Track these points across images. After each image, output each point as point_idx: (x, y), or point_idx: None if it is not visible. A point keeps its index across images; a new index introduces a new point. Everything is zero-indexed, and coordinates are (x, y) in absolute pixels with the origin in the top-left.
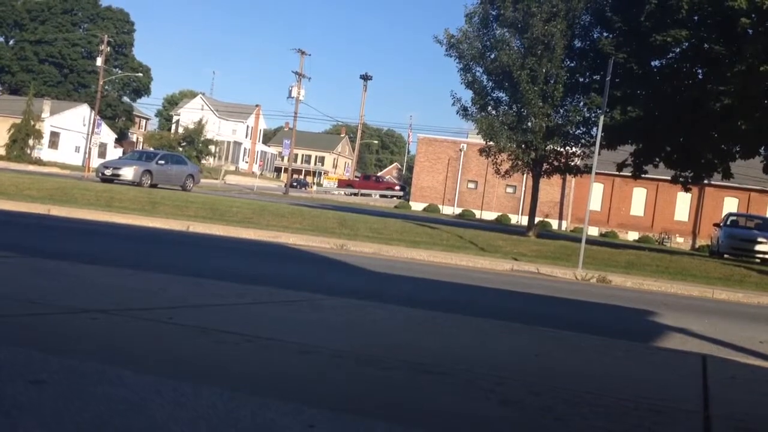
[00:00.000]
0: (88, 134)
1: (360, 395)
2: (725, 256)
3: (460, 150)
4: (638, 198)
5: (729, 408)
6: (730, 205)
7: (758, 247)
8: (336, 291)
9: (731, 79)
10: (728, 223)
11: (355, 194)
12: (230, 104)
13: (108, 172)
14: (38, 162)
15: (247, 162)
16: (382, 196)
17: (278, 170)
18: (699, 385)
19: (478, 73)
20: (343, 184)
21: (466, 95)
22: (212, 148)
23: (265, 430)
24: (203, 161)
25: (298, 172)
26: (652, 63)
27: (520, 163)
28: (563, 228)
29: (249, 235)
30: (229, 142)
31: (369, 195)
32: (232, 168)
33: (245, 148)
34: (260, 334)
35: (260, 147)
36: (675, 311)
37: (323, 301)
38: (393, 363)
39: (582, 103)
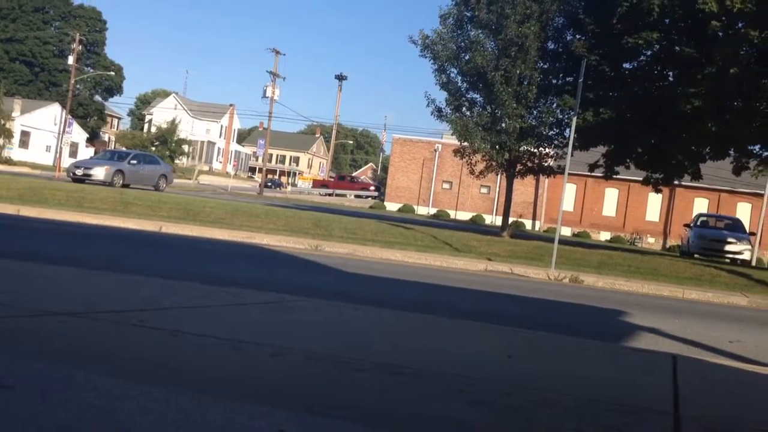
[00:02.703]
0: (59, 134)
1: (332, 397)
2: (696, 256)
3: (435, 150)
4: (610, 198)
5: (699, 409)
6: (701, 205)
7: (728, 247)
8: (310, 292)
9: (701, 82)
10: (698, 223)
11: (330, 194)
12: (204, 104)
13: (79, 172)
14: (8, 162)
15: (221, 162)
16: (357, 196)
17: (252, 170)
18: (669, 386)
19: (452, 74)
20: (317, 184)
21: (441, 96)
22: (185, 147)
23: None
24: (176, 161)
25: (273, 172)
26: (624, 65)
27: (494, 163)
28: (537, 228)
29: (222, 235)
30: (202, 142)
31: (344, 195)
32: (206, 168)
33: (219, 148)
34: (232, 336)
35: (234, 147)
36: (646, 311)
37: (297, 303)
38: (366, 364)
39: (555, 105)
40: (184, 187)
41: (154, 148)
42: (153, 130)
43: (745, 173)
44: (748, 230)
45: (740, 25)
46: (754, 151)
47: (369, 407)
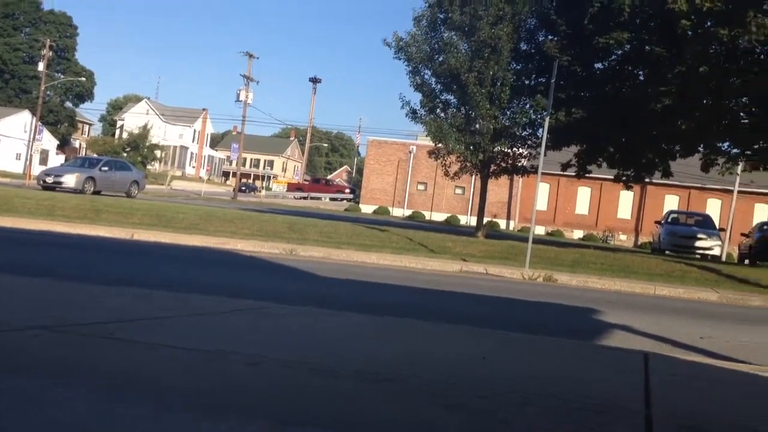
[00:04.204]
0: (29, 141)
1: (308, 406)
2: (666, 252)
3: (410, 152)
4: (583, 197)
5: (670, 406)
6: (671, 202)
7: (698, 243)
8: (286, 298)
9: (671, 80)
10: (669, 220)
11: (305, 198)
12: (177, 108)
13: (49, 179)
14: None
15: (194, 167)
16: (332, 199)
17: (226, 175)
18: (641, 384)
19: (426, 76)
20: (292, 187)
21: (415, 98)
22: (158, 153)
23: None
24: (149, 167)
25: (247, 176)
26: (596, 65)
27: (468, 164)
28: (511, 228)
29: (196, 242)
30: (175, 147)
31: (319, 198)
32: (179, 173)
33: (192, 153)
34: (206, 346)
35: (208, 151)
36: (619, 309)
37: (272, 310)
38: (343, 371)
39: (528, 105)
40: (156, 193)
41: (125, 154)
42: (125, 135)
43: (714, 170)
44: (717, 226)
45: (709, 23)
46: (723, 148)
47: (345, 415)
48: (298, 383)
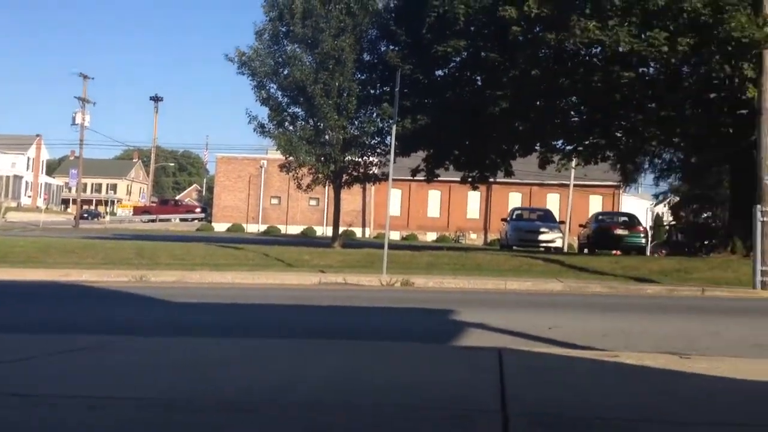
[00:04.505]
0: None
1: None
2: (514, 248)
3: (261, 167)
4: (434, 200)
5: (525, 402)
6: (515, 199)
7: (541, 237)
8: (135, 329)
9: (507, 84)
10: (514, 217)
11: (153, 220)
12: (6, 136)
13: None
14: None
15: (30, 196)
16: (182, 219)
17: (66, 202)
18: (497, 383)
19: (272, 90)
20: (138, 211)
21: (262, 112)
22: None
23: None
24: None
25: (89, 202)
26: (436, 73)
27: (320, 176)
28: (367, 235)
29: (36, 275)
30: (7, 177)
31: (168, 220)
32: (14, 204)
33: (27, 182)
34: (44, 391)
35: (44, 179)
36: (473, 307)
37: (120, 343)
38: (201, 404)
39: (375, 114)
40: None
41: None
42: None
43: (551, 167)
44: (558, 219)
45: (538, 29)
46: (558, 146)
47: None
48: (150, 424)
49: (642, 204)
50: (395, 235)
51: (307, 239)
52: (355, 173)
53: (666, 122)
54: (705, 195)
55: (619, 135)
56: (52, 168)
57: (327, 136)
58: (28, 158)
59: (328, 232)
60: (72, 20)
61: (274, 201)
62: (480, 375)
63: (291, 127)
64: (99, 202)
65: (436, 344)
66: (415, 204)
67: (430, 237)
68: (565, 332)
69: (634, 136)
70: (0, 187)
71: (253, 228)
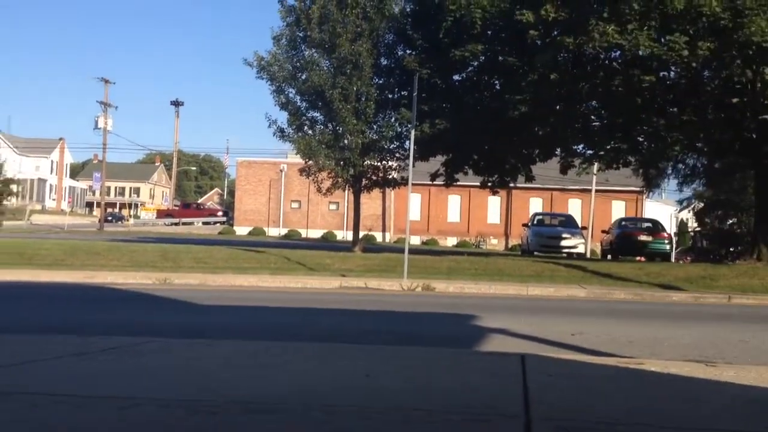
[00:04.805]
0: None
1: None
2: (535, 253)
3: (281, 171)
4: (453, 205)
5: (548, 408)
6: (536, 205)
7: (563, 243)
8: (160, 331)
9: (525, 89)
10: (535, 222)
11: (176, 224)
12: (31, 139)
13: None
14: None
15: (54, 199)
16: (204, 223)
17: (90, 205)
18: (520, 387)
19: (291, 94)
20: (162, 214)
21: (282, 117)
22: (14, 187)
23: None
24: (5, 202)
25: (113, 205)
26: (454, 77)
27: (340, 180)
28: (387, 240)
29: (62, 277)
30: (32, 180)
31: (191, 223)
32: (39, 207)
33: (51, 185)
34: (74, 391)
35: (68, 182)
36: (494, 312)
37: (146, 345)
38: (224, 405)
39: (394, 119)
40: (16, 230)
41: None
42: None
43: (572, 171)
44: (580, 225)
45: (556, 33)
46: (578, 150)
47: None
48: (174, 424)
49: (666, 210)
50: (415, 240)
51: (328, 243)
52: (374, 177)
53: (688, 127)
54: (730, 201)
55: (641, 140)
56: (76, 171)
57: (346, 141)
58: (52, 161)
59: (349, 236)
60: (93, 24)
61: (295, 205)
62: (503, 380)
63: (310, 132)
64: (123, 205)
65: (458, 349)
66: (434, 208)
67: (451, 242)
68: (588, 339)
69: (656, 140)
70: (25, 191)
71: (274, 232)
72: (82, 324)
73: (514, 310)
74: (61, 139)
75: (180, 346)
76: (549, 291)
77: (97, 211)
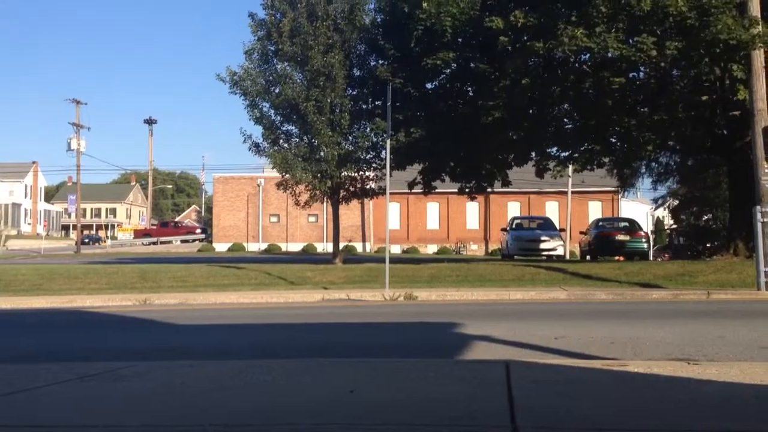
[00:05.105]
0: None
1: None
2: (515, 257)
3: (258, 185)
4: (432, 212)
5: (535, 414)
6: (514, 209)
7: (542, 246)
8: (140, 354)
9: (498, 94)
10: (514, 226)
11: (155, 243)
12: (3, 164)
13: None
14: None
15: (30, 224)
16: (183, 241)
17: (66, 228)
18: (505, 396)
19: (265, 109)
20: (139, 234)
21: (257, 131)
22: None
23: None
24: None
25: (89, 227)
26: (427, 85)
27: (317, 192)
28: (368, 250)
29: (40, 303)
30: (6, 205)
31: (169, 242)
32: (14, 232)
33: (26, 209)
34: (50, 423)
35: (43, 206)
36: (477, 319)
37: (126, 369)
38: (208, 429)
39: (369, 129)
40: None
41: None
42: None
43: (548, 174)
44: (558, 227)
45: (525, 38)
46: (552, 153)
47: None
48: None
49: (642, 208)
50: (396, 249)
51: (308, 256)
52: (352, 188)
53: (660, 126)
54: (704, 197)
55: (613, 140)
56: (50, 194)
57: (322, 153)
58: (26, 185)
59: (329, 248)
60: (61, 44)
61: (273, 219)
62: (488, 388)
63: (286, 145)
64: (99, 227)
65: (442, 359)
66: (414, 217)
67: (431, 249)
68: (571, 342)
69: (629, 141)
70: None
71: (253, 247)
72: (62, 350)
73: (496, 316)
74: (34, 162)
75: (162, 369)
76: (531, 295)
77: (73, 234)
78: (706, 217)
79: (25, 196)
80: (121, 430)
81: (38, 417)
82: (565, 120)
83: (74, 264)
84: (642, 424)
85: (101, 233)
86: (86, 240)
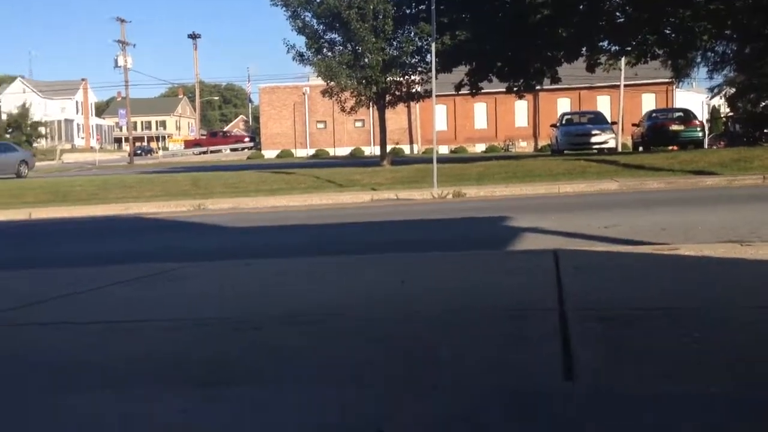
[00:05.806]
0: None
1: (227, 363)
2: (565, 152)
3: (304, 94)
4: (480, 112)
5: (583, 299)
6: (563, 105)
7: (593, 139)
8: (197, 255)
9: None
10: (563, 122)
11: (205, 152)
12: (54, 82)
13: None
14: None
15: (83, 138)
16: (232, 149)
17: (118, 141)
18: (554, 282)
19: (307, 18)
20: (190, 144)
21: (300, 41)
22: (42, 129)
23: (133, 419)
24: (35, 145)
25: (140, 139)
26: None
27: (363, 98)
28: (415, 152)
29: (98, 211)
30: (59, 121)
31: (219, 151)
32: (68, 146)
33: (79, 125)
34: (122, 317)
35: (94, 121)
36: (526, 212)
37: (184, 270)
38: (263, 321)
39: (413, 33)
40: (48, 170)
41: (8, 136)
42: (3, 117)
43: (600, 69)
44: (609, 120)
45: None
46: (604, 47)
47: (266, 367)
48: (217, 341)
49: (697, 98)
50: (444, 150)
51: (356, 160)
52: (397, 93)
53: (716, 15)
54: (762, 84)
55: (668, 32)
56: (101, 110)
57: (366, 59)
58: (77, 102)
59: (376, 151)
60: None
61: (320, 125)
62: (536, 275)
63: (330, 54)
64: (150, 139)
65: (490, 251)
66: (461, 117)
67: (479, 148)
68: (621, 230)
69: (684, 31)
70: (53, 132)
71: (302, 153)
72: (121, 253)
73: (545, 209)
74: (83, 79)
75: (222, 268)
76: (581, 187)
77: (126, 146)
78: (763, 104)
79: (77, 112)
80: (182, 323)
81: (102, 313)
82: (617, 14)
83: (128, 174)
84: (692, 305)
85: (153, 145)
86: (139, 151)
